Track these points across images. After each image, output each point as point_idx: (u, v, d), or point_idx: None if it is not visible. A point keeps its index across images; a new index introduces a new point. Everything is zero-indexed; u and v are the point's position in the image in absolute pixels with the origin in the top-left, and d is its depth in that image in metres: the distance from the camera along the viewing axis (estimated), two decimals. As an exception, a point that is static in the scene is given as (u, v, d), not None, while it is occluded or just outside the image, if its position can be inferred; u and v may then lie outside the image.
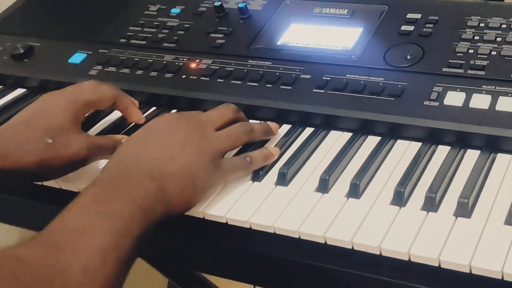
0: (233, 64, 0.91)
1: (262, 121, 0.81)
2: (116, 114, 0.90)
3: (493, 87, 0.78)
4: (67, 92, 0.80)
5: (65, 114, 0.76)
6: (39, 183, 0.80)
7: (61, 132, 0.75)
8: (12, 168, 0.72)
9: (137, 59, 0.96)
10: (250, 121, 0.84)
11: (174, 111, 0.90)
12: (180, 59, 0.95)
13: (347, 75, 0.85)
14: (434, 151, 0.76)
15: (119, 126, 0.87)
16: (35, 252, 0.55)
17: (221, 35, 0.97)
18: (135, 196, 0.62)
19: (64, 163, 0.74)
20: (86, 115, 0.83)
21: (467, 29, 0.87)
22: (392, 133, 0.78)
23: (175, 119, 0.72)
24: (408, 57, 0.85)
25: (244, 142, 0.75)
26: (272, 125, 0.80)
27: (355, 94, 0.82)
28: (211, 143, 0.70)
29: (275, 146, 0.79)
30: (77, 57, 1.00)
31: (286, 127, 0.83)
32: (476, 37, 0.85)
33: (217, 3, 1.00)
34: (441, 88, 0.80)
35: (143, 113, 0.90)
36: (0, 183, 0.75)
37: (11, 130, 0.75)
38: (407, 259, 0.62)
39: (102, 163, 0.80)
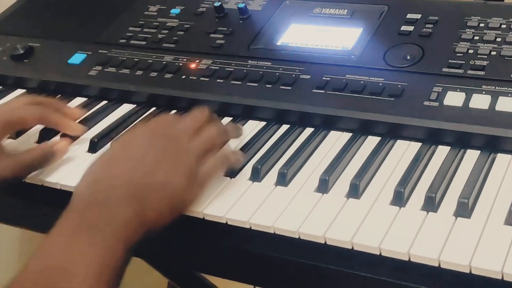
0: (233, 64, 0.91)
1: (230, 123, 0.81)
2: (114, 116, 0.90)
3: (493, 87, 0.78)
4: None
5: None
6: (39, 184, 0.80)
7: None
8: None
9: (137, 60, 0.96)
10: (248, 126, 0.84)
11: (173, 112, 0.90)
12: (180, 59, 0.95)
13: (347, 76, 0.85)
14: (434, 151, 0.76)
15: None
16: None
17: (221, 36, 0.97)
18: (115, 224, 0.61)
19: None
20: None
21: (467, 29, 0.87)
22: (392, 133, 0.78)
23: (148, 134, 0.70)
24: (408, 57, 0.85)
25: (220, 144, 0.74)
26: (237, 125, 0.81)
27: (355, 95, 0.82)
28: (187, 154, 0.69)
29: (274, 145, 0.79)
30: (77, 58, 1.00)
31: (286, 128, 0.83)
32: (476, 37, 0.85)
33: (216, 4, 1.00)
34: (441, 88, 0.80)
35: (143, 114, 0.90)
36: None
37: None
38: (407, 259, 0.62)
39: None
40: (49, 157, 0.79)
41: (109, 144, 0.83)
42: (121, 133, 0.86)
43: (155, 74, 0.94)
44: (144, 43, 1.00)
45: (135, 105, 0.92)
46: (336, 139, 0.80)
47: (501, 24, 0.86)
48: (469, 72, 0.81)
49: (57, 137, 0.85)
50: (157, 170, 0.66)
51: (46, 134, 0.86)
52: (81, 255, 0.58)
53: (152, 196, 0.65)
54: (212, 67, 0.92)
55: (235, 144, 0.81)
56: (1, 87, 1.03)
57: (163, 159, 0.67)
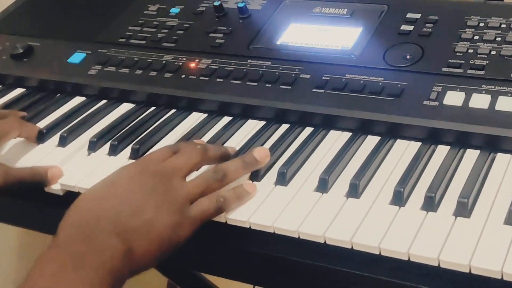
0: (233, 64, 0.91)
1: (243, 156, 0.74)
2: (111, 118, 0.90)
3: (493, 87, 0.78)
4: None
5: None
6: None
7: None
8: None
9: (137, 59, 0.96)
10: (248, 125, 0.84)
11: (172, 111, 0.90)
12: (180, 58, 0.95)
13: (346, 75, 0.85)
14: (433, 151, 0.76)
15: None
16: None
17: (221, 35, 0.97)
18: (102, 260, 0.60)
19: None
20: None
21: (466, 29, 0.87)
22: (391, 133, 0.78)
23: (138, 171, 0.68)
24: (408, 57, 0.85)
25: (216, 189, 0.69)
26: (258, 152, 0.74)
27: (354, 94, 0.82)
28: (178, 193, 0.67)
29: (274, 145, 0.79)
30: (77, 57, 1.00)
31: (285, 127, 0.83)
32: (476, 37, 0.85)
33: (216, 3, 1.00)
34: (441, 87, 0.80)
35: (143, 113, 0.90)
36: None
37: None
38: (406, 259, 0.62)
39: (102, 162, 0.80)
40: (40, 180, 0.77)
41: (106, 144, 0.83)
42: (121, 132, 0.86)
43: (154, 73, 0.94)
44: (143, 42, 1.00)
45: (134, 105, 0.92)
46: (335, 139, 0.80)
47: (501, 24, 0.86)
48: (469, 71, 0.81)
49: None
50: (144, 207, 0.65)
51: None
52: None
53: (139, 233, 0.63)
54: (212, 67, 0.92)
55: (235, 143, 0.81)
56: (0, 86, 1.03)
57: (151, 196, 0.65)
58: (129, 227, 0.63)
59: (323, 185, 0.71)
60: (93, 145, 0.84)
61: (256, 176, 0.74)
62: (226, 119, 0.87)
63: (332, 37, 0.92)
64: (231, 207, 0.69)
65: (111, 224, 0.63)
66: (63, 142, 0.85)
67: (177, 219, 0.65)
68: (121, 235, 0.62)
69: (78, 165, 0.80)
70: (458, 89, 0.79)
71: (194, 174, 0.71)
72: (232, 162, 0.73)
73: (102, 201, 0.65)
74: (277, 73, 0.88)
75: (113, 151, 0.82)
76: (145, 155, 0.77)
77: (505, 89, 0.77)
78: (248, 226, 0.68)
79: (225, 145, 0.80)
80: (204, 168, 0.73)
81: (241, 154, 0.76)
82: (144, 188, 0.66)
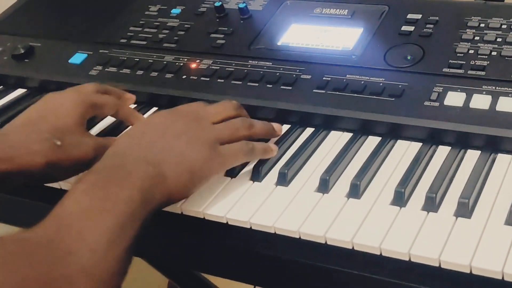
0: (234, 64, 0.91)
1: (266, 122, 0.80)
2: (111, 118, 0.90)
3: (494, 88, 0.78)
4: (73, 93, 0.79)
5: (72, 116, 0.76)
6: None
7: (68, 133, 0.74)
8: (19, 170, 0.71)
9: (138, 59, 0.96)
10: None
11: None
12: (181, 59, 0.95)
13: (347, 76, 0.85)
14: (434, 151, 0.76)
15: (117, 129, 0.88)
16: (42, 234, 0.56)
17: (222, 36, 0.97)
18: (132, 180, 0.62)
19: (72, 165, 0.73)
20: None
21: (467, 30, 0.87)
22: (392, 133, 0.79)
23: (171, 113, 0.73)
24: (409, 57, 0.85)
25: (243, 136, 0.73)
26: (276, 126, 0.80)
27: (355, 95, 0.82)
28: (207, 132, 0.70)
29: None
30: (78, 57, 1.00)
31: (286, 127, 0.83)
32: (477, 38, 0.85)
33: (217, 4, 1.00)
34: (442, 88, 0.80)
35: (143, 114, 0.90)
36: (6, 185, 0.74)
37: (17, 132, 0.74)
38: (407, 259, 0.62)
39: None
40: None
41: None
42: (122, 132, 0.86)
43: (155, 74, 0.94)
44: (144, 43, 1.00)
45: (135, 105, 0.92)
46: (336, 139, 0.80)
47: (501, 24, 0.86)
48: (470, 72, 0.81)
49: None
50: (176, 140, 0.68)
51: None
52: (96, 204, 0.59)
53: (170, 163, 0.66)
54: (213, 67, 0.92)
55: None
56: (1, 86, 1.03)
57: (183, 133, 0.69)
58: (160, 158, 0.66)
59: (324, 186, 0.71)
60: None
61: (257, 176, 0.74)
62: (227, 120, 0.87)
63: (333, 38, 0.92)
64: (257, 157, 0.74)
65: (142, 154, 0.66)
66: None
67: (207, 153, 0.68)
68: (152, 163, 0.65)
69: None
70: (458, 90, 0.79)
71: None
72: (256, 120, 0.77)
73: (136, 138, 0.69)
74: (278, 74, 0.88)
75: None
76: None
77: (505, 90, 0.78)
78: (249, 226, 0.68)
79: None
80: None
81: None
82: (176, 126, 0.70)
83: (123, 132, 0.71)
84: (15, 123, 0.77)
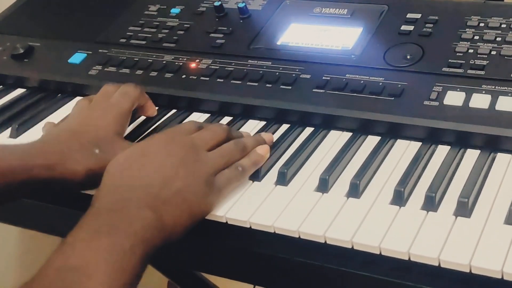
0: (233, 64, 0.91)
1: (256, 135, 0.79)
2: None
3: (493, 87, 0.78)
4: (111, 103, 0.81)
5: (112, 126, 0.78)
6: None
7: (108, 142, 0.76)
8: (60, 178, 0.72)
9: (137, 59, 0.96)
10: (248, 126, 0.84)
11: (173, 111, 0.90)
12: (180, 59, 0.95)
13: (347, 75, 0.85)
14: (434, 151, 0.76)
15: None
16: None
17: (221, 35, 0.97)
18: (135, 229, 0.62)
19: None
20: None
21: (467, 29, 0.87)
22: (392, 132, 0.78)
23: (167, 142, 0.71)
24: (408, 57, 0.85)
25: (237, 160, 0.73)
26: (266, 136, 0.79)
27: (355, 94, 0.82)
28: (204, 164, 0.69)
29: (274, 145, 0.79)
30: (77, 57, 1.00)
31: (285, 127, 0.83)
32: (476, 37, 0.85)
33: (217, 3, 1.00)
34: (441, 87, 0.80)
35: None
36: (46, 192, 0.75)
37: (59, 140, 0.76)
38: (407, 258, 0.62)
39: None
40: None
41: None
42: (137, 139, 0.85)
43: (155, 73, 0.94)
44: (144, 42, 1.00)
45: (135, 105, 0.92)
46: (336, 139, 0.80)
47: (501, 24, 0.86)
48: (469, 71, 0.81)
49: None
50: (174, 177, 0.67)
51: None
52: (100, 257, 0.58)
53: (170, 201, 0.66)
54: (212, 67, 0.92)
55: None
56: (1, 86, 1.03)
57: (180, 167, 0.68)
58: (160, 198, 0.65)
59: (324, 185, 0.71)
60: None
61: (256, 176, 0.74)
62: (227, 119, 0.87)
63: (332, 37, 0.92)
64: (250, 173, 0.73)
65: (143, 191, 0.66)
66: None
67: (205, 189, 0.68)
68: (152, 206, 0.64)
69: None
70: (458, 89, 0.79)
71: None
72: (248, 137, 0.78)
73: (134, 171, 0.68)
74: (277, 73, 0.88)
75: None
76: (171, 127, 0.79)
77: (505, 89, 0.78)
78: (248, 226, 0.68)
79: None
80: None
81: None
82: (173, 158, 0.69)
83: (115, 159, 0.69)
84: (56, 132, 0.78)
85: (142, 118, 0.89)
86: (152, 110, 0.87)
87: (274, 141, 0.80)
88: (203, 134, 0.74)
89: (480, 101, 0.77)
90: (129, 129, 0.85)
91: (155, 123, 0.88)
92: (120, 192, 0.66)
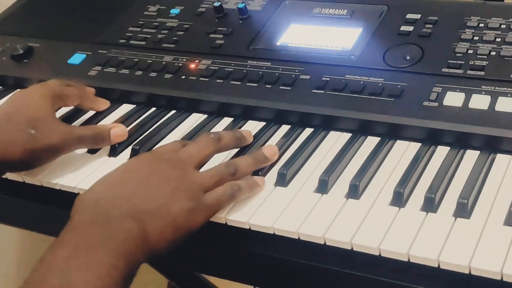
0: (233, 64, 0.91)
1: (248, 154, 0.76)
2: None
3: (493, 88, 0.78)
4: (40, 87, 0.84)
5: (43, 106, 0.80)
6: (38, 183, 0.80)
7: (42, 122, 0.78)
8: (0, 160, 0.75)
9: (137, 60, 0.96)
10: (248, 126, 0.84)
11: (173, 112, 0.90)
12: (180, 59, 0.95)
13: (346, 76, 0.85)
14: (433, 152, 0.76)
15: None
16: None
17: (221, 36, 0.97)
18: (116, 242, 0.60)
19: (47, 152, 0.77)
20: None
21: (466, 30, 0.87)
22: (391, 133, 0.78)
23: (152, 160, 0.70)
24: (408, 57, 0.85)
25: (227, 181, 0.70)
26: (246, 132, 0.79)
27: (354, 95, 0.82)
28: (192, 180, 0.68)
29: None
30: (77, 58, 1.00)
31: (285, 128, 0.83)
32: (476, 38, 0.85)
33: (216, 4, 1.00)
34: (441, 88, 0.80)
35: (142, 114, 0.90)
36: None
37: None
38: (406, 260, 0.62)
39: (103, 163, 0.80)
40: (101, 139, 0.81)
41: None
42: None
43: (154, 74, 0.94)
44: (143, 43, 1.00)
45: (134, 105, 0.92)
46: (335, 140, 0.80)
47: (500, 24, 0.86)
48: (469, 72, 0.81)
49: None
50: (159, 193, 0.66)
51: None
52: (80, 277, 0.57)
53: (154, 214, 0.64)
54: (212, 67, 0.92)
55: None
56: (1, 87, 1.03)
57: (166, 182, 0.67)
58: (144, 210, 0.64)
59: (323, 186, 0.71)
60: (94, 146, 0.84)
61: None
62: (226, 120, 0.87)
63: (332, 38, 0.92)
64: (244, 196, 0.70)
65: (125, 207, 0.64)
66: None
67: (192, 205, 0.66)
68: (136, 218, 0.63)
69: (78, 166, 0.80)
70: (458, 90, 0.79)
71: (206, 167, 0.72)
72: (243, 158, 0.75)
73: (117, 186, 0.67)
74: (277, 74, 0.88)
75: (114, 152, 0.82)
76: (155, 148, 0.80)
77: (505, 90, 0.78)
78: (248, 227, 0.69)
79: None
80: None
81: (250, 151, 0.77)
82: (159, 174, 0.68)
83: (101, 178, 0.68)
84: None
85: (142, 118, 0.89)
86: (101, 104, 0.90)
87: (274, 141, 0.80)
88: (189, 150, 0.72)
89: (480, 101, 0.77)
90: (128, 129, 0.85)
91: (155, 123, 0.88)
92: (102, 205, 0.64)
